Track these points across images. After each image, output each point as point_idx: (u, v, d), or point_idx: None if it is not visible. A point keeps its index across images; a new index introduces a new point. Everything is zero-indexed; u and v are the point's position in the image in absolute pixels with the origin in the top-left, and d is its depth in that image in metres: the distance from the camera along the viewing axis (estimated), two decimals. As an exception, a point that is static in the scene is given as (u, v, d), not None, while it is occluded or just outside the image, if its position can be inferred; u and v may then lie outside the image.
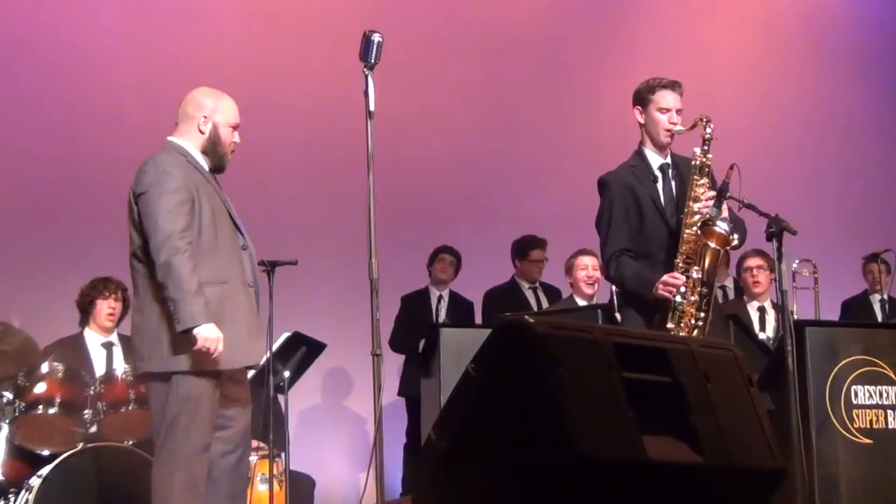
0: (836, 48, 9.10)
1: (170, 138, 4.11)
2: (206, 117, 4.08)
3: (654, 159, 4.42)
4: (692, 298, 4.18)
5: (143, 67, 7.64)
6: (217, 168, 4.12)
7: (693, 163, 4.31)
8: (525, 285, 7.21)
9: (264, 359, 5.24)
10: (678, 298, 4.17)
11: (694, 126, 4.32)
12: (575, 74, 8.62)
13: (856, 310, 7.13)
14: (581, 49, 8.68)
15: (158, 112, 7.52)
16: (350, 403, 8.01)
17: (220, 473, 4.01)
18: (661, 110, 4.36)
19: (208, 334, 3.81)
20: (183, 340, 3.84)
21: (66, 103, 7.48)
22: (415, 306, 7.26)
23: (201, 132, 4.08)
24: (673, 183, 4.40)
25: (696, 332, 4.17)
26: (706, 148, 4.29)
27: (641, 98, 4.41)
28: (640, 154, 4.45)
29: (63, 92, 7.50)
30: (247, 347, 4.00)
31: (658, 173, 4.41)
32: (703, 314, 4.19)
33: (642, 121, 4.41)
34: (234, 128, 4.13)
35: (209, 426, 3.93)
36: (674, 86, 4.38)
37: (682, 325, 4.18)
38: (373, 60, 3.96)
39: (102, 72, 7.60)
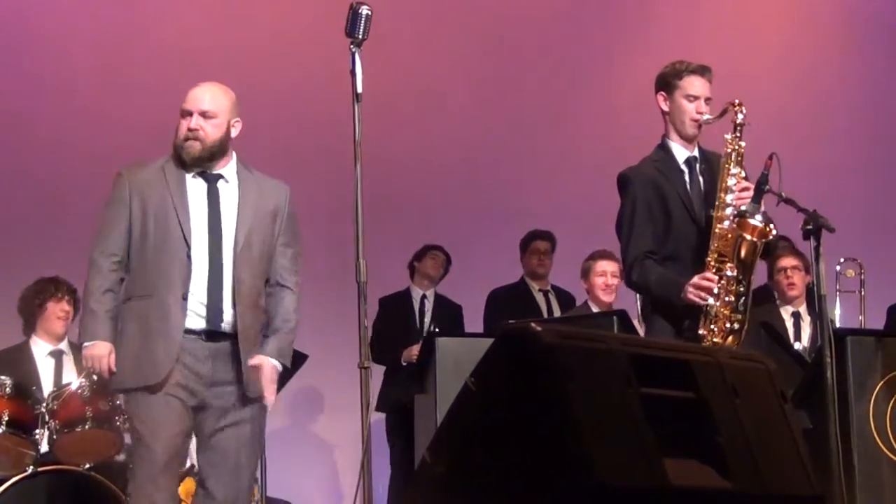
0: (879, 23, 9.10)
1: None
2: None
3: (680, 152, 4.44)
4: (727, 299, 4.19)
5: (102, 45, 7.64)
6: (182, 164, 4.18)
7: (724, 150, 4.33)
8: (535, 286, 7.20)
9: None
10: (710, 301, 4.18)
11: (724, 113, 4.33)
12: (589, 53, 8.62)
13: None
14: (596, 25, 8.68)
15: (117, 95, 7.63)
16: (334, 421, 8.01)
17: None
18: (688, 98, 4.38)
19: (88, 353, 4.10)
20: (118, 358, 4.09)
21: (14, 84, 7.48)
22: (396, 309, 7.23)
23: None
24: (701, 179, 4.42)
25: (731, 337, 4.18)
26: (738, 134, 4.30)
27: (666, 83, 4.42)
28: (663, 147, 4.47)
29: (10, 72, 7.50)
30: (155, 365, 4.04)
31: (684, 167, 4.43)
32: (739, 316, 4.20)
33: (666, 109, 4.43)
34: (185, 115, 4.17)
35: (162, 447, 4.01)
36: (703, 71, 4.40)
37: (715, 330, 4.19)
38: (361, 36, 3.97)
39: (55, 50, 7.59)
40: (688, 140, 4.43)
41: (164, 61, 7.59)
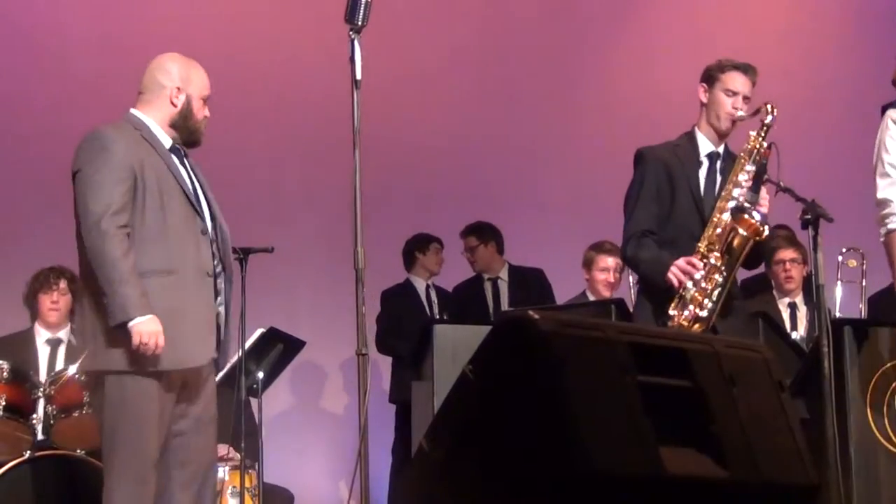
0: (880, 11, 9.09)
1: (132, 110, 4.10)
2: (178, 88, 4.08)
3: (705, 144, 4.48)
4: (703, 286, 4.23)
5: (99, 28, 7.62)
6: (189, 143, 4.12)
7: (745, 146, 4.37)
8: (485, 276, 7.26)
9: (235, 357, 5.26)
10: (689, 284, 4.23)
11: (757, 112, 4.40)
12: (587, 44, 8.60)
13: (882, 304, 7.05)
14: (596, 14, 8.66)
15: (116, 80, 7.55)
16: (332, 408, 8.02)
17: None
18: (727, 92, 4.44)
19: (144, 328, 3.75)
20: (118, 335, 3.80)
21: (10, 69, 7.46)
22: (403, 302, 7.23)
23: (173, 105, 4.08)
24: (719, 177, 4.45)
25: (697, 324, 4.22)
26: (763, 134, 4.36)
27: (709, 76, 4.49)
28: (689, 135, 4.52)
29: (6, 55, 7.48)
30: (193, 346, 3.91)
31: (704, 160, 4.47)
32: (711, 305, 4.24)
33: (705, 100, 4.49)
34: (206, 100, 4.13)
35: (156, 439, 3.88)
36: (747, 69, 4.47)
37: (685, 313, 4.23)
38: (360, 22, 3.96)
39: (52, 33, 7.57)
40: (719, 134, 4.48)
41: (163, 47, 7.56)
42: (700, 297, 4.23)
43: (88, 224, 3.83)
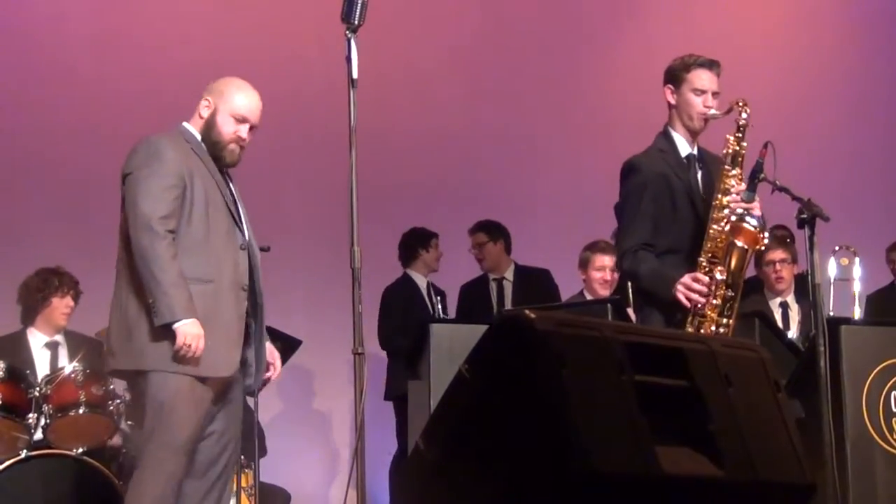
0: (874, 13, 9.10)
1: (183, 123, 4.17)
2: (209, 101, 4.14)
3: (683, 146, 4.42)
4: (714, 302, 4.18)
5: (99, 27, 7.62)
6: (218, 160, 4.15)
7: (724, 151, 4.30)
8: (490, 276, 7.25)
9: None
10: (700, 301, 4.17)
11: (730, 111, 4.31)
12: (584, 42, 8.61)
13: (882, 304, 7.08)
14: (592, 14, 8.67)
15: (116, 79, 7.61)
16: (329, 407, 8.02)
17: None
18: (695, 91, 4.35)
19: (189, 330, 3.84)
20: (159, 336, 3.87)
21: (8, 66, 7.46)
22: (407, 299, 7.20)
23: (201, 116, 4.14)
24: (700, 178, 4.39)
25: None
26: (740, 135, 4.28)
27: (674, 76, 4.40)
28: (667, 137, 4.43)
29: (5, 54, 7.48)
30: (221, 356, 3.97)
31: (685, 162, 4.41)
32: (725, 320, 4.19)
33: (673, 102, 4.41)
34: (240, 121, 4.14)
35: (192, 437, 3.94)
36: (711, 65, 4.37)
37: (702, 331, 4.17)
38: (356, 21, 3.97)
39: (52, 32, 7.57)
40: (692, 134, 4.41)
41: (161, 46, 7.57)
42: (714, 314, 4.17)
43: (139, 224, 3.90)
